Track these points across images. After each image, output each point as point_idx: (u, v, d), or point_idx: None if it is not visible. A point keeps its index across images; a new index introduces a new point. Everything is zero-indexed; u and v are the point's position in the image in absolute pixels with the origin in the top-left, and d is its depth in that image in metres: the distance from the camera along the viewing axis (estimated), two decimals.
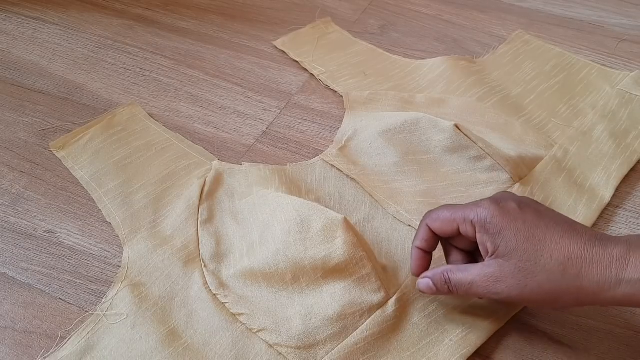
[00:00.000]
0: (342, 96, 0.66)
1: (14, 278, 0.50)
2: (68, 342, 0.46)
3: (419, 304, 0.48)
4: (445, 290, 0.43)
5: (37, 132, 0.62)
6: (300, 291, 0.46)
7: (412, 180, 0.56)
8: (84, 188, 0.57)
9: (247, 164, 0.57)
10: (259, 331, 0.46)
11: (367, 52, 0.72)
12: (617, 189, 0.57)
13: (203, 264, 0.50)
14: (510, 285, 0.40)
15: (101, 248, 0.52)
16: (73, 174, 0.57)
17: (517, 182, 0.55)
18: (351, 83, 0.67)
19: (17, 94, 0.66)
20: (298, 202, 0.48)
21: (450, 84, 0.65)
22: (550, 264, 0.38)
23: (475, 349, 0.46)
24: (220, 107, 0.65)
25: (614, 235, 0.41)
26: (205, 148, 0.60)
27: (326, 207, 0.48)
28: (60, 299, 0.49)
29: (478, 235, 0.42)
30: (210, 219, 0.53)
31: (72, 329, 0.47)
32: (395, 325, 0.46)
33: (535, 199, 0.47)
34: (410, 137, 0.57)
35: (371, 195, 0.55)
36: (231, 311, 0.47)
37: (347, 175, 0.56)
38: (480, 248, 0.42)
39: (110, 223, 0.54)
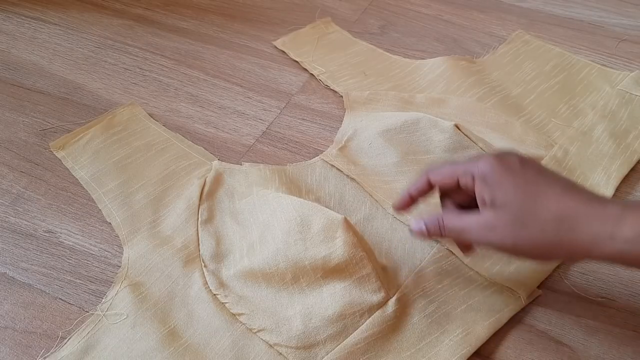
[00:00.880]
0: (342, 96, 0.66)
1: (14, 278, 0.50)
2: (68, 342, 0.46)
3: (419, 304, 0.48)
4: (436, 231, 0.44)
5: (37, 132, 0.62)
6: (300, 291, 0.46)
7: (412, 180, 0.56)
8: (84, 188, 0.57)
9: (247, 164, 0.57)
10: (259, 331, 0.46)
11: (367, 52, 0.72)
12: (617, 189, 0.57)
13: (203, 264, 0.50)
14: (504, 235, 0.40)
15: (101, 248, 0.52)
16: (73, 174, 0.57)
17: None
18: (351, 83, 0.67)
19: (17, 94, 0.66)
20: (298, 202, 0.48)
21: (450, 84, 0.65)
22: (545, 216, 0.39)
23: (475, 349, 0.46)
24: (220, 107, 0.65)
25: None
26: (205, 148, 0.60)
27: (326, 207, 0.48)
28: (60, 299, 0.49)
29: (477, 187, 0.42)
30: (210, 219, 0.53)
31: (72, 329, 0.47)
32: (395, 325, 0.46)
33: None
34: (410, 137, 0.57)
35: (371, 196, 0.55)
36: (231, 311, 0.47)
37: (347, 175, 0.56)
38: (478, 199, 0.42)
39: (110, 223, 0.54)
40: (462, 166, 0.43)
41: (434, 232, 0.44)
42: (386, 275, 0.49)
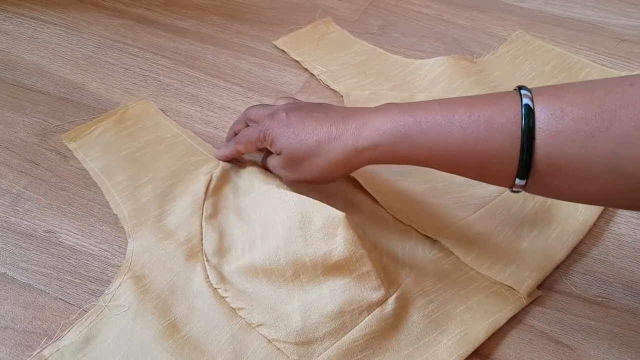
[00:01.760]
0: (342, 96, 0.66)
1: (14, 278, 0.50)
2: (70, 332, 0.46)
3: (419, 303, 0.48)
4: (264, 162, 0.56)
5: (37, 132, 0.62)
6: (300, 287, 0.47)
7: (412, 180, 0.56)
8: (83, 188, 0.57)
9: (250, 160, 0.57)
10: (258, 326, 0.46)
11: (368, 52, 0.72)
12: None
13: (205, 258, 0.50)
14: (290, 172, 0.51)
15: (101, 248, 0.52)
16: (83, 165, 0.58)
17: None
18: (351, 83, 0.67)
19: (17, 94, 0.66)
20: (299, 199, 0.48)
21: (450, 83, 0.65)
22: (309, 149, 0.48)
23: (473, 350, 0.46)
24: (220, 107, 0.65)
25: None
26: None
27: (328, 204, 0.48)
28: (60, 299, 0.49)
29: (266, 146, 0.52)
30: (214, 215, 0.53)
31: (71, 322, 0.47)
32: (394, 323, 0.46)
33: (532, 198, 0.52)
34: None
35: (372, 197, 0.55)
36: (231, 305, 0.47)
37: (347, 177, 0.56)
38: (273, 152, 0.53)
39: (110, 222, 0.54)
40: (253, 135, 0.53)
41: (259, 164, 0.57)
42: (386, 274, 0.49)
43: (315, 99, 0.66)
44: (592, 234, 0.54)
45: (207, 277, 0.49)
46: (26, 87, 0.67)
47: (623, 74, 0.67)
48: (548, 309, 0.49)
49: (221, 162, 0.58)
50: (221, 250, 0.51)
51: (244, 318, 0.47)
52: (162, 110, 0.64)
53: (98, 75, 0.69)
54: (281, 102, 0.56)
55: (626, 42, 0.74)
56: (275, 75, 0.69)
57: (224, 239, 0.51)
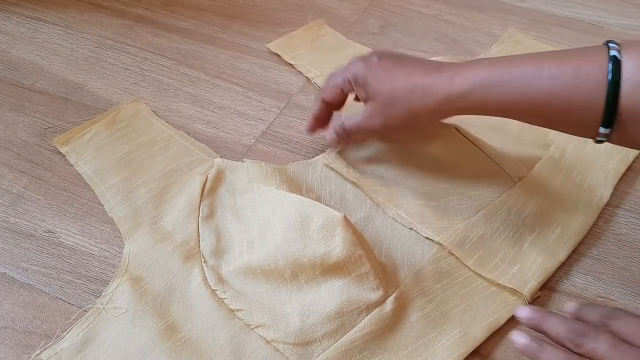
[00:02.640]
0: None
1: (14, 278, 0.50)
2: (67, 335, 0.46)
3: (418, 303, 0.48)
4: (344, 136, 0.55)
5: (37, 132, 0.62)
6: (298, 288, 0.47)
7: (412, 182, 0.56)
8: (83, 188, 0.57)
9: (248, 161, 0.57)
10: (256, 327, 0.46)
11: (362, 54, 0.71)
12: (616, 188, 0.57)
13: (203, 260, 0.50)
14: (379, 118, 0.51)
15: (101, 248, 0.52)
16: (76, 169, 0.58)
17: (517, 182, 0.55)
18: None
19: (17, 94, 0.66)
20: (298, 200, 0.48)
21: None
22: (400, 94, 0.49)
23: (472, 350, 0.46)
24: (220, 107, 0.65)
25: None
26: None
27: (327, 205, 0.48)
28: (60, 298, 0.49)
29: (355, 89, 0.53)
30: (211, 215, 0.53)
31: (73, 323, 0.47)
32: (392, 323, 0.46)
33: (532, 198, 0.52)
34: None
35: (371, 198, 0.55)
36: (230, 307, 0.47)
37: (347, 179, 0.56)
38: (359, 97, 0.53)
39: (110, 223, 0.54)
40: (339, 77, 0.53)
41: (343, 137, 0.55)
42: (385, 274, 0.49)
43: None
44: (592, 234, 0.54)
45: (205, 278, 0.49)
46: (26, 87, 0.67)
47: None
48: (548, 309, 0.49)
49: (216, 162, 0.57)
50: (219, 251, 0.51)
51: (242, 319, 0.47)
52: (162, 110, 0.64)
53: (98, 75, 0.69)
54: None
55: None
56: (275, 75, 0.69)
57: (221, 240, 0.51)
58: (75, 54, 0.71)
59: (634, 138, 0.42)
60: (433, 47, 0.74)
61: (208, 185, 0.55)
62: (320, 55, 0.71)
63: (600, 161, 0.58)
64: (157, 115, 0.64)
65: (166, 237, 0.52)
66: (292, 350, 0.45)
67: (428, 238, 0.52)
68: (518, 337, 0.40)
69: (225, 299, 0.47)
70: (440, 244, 0.51)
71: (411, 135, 0.55)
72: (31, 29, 0.75)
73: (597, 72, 0.41)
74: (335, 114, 0.58)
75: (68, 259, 0.52)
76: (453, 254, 0.51)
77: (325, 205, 0.48)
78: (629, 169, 0.59)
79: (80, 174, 0.58)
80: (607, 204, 0.56)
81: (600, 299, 0.50)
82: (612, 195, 0.56)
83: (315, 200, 0.51)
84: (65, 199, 0.56)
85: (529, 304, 0.49)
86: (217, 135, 0.62)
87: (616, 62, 0.41)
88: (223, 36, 0.75)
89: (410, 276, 0.49)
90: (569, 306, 0.42)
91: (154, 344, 0.45)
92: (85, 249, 0.52)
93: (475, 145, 0.55)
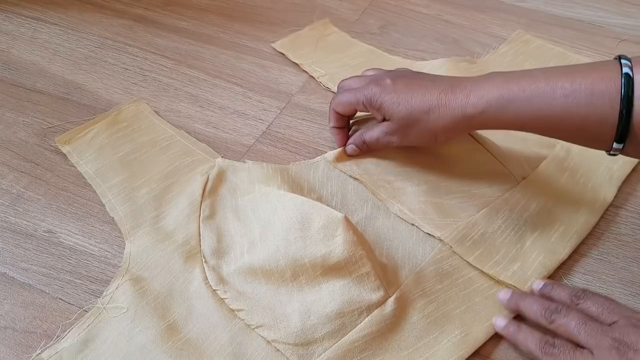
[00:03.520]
0: None
1: (14, 278, 0.50)
2: (68, 335, 0.46)
3: (419, 304, 0.48)
4: (364, 147, 0.57)
5: (37, 132, 0.62)
6: (299, 288, 0.46)
7: (415, 179, 0.56)
8: (83, 188, 0.57)
9: (250, 161, 0.57)
10: (257, 327, 0.46)
11: (367, 53, 0.72)
12: (619, 189, 0.57)
13: (204, 260, 0.50)
14: (397, 137, 0.53)
15: (101, 248, 0.52)
16: (78, 168, 0.58)
17: (520, 181, 0.55)
18: None
19: (17, 94, 0.66)
20: (299, 200, 0.48)
21: None
22: (420, 115, 0.50)
23: (473, 351, 0.46)
24: (220, 107, 0.65)
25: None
26: None
27: (328, 206, 0.48)
28: (60, 298, 0.49)
29: (370, 111, 0.54)
30: (212, 216, 0.53)
31: (73, 323, 0.47)
32: (393, 324, 0.46)
33: (535, 198, 0.53)
34: None
35: (374, 195, 0.55)
36: (230, 307, 0.47)
37: (350, 176, 0.56)
38: (375, 117, 0.55)
39: (110, 223, 0.54)
40: (354, 97, 0.54)
41: (363, 149, 0.57)
42: (386, 274, 0.48)
43: (315, 99, 0.66)
44: (593, 234, 0.54)
45: (206, 278, 0.49)
46: (26, 87, 0.67)
47: None
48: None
49: (217, 163, 0.57)
50: (220, 252, 0.50)
51: (243, 319, 0.47)
52: (162, 110, 0.64)
53: (98, 75, 0.69)
54: (370, 72, 0.59)
55: (626, 42, 0.74)
56: (275, 75, 0.69)
57: (222, 240, 0.51)
58: (75, 54, 0.71)
59: None
60: (433, 47, 0.74)
61: (209, 185, 0.55)
62: (326, 55, 0.71)
63: (605, 162, 0.58)
64: (158, 115, 0.64)
65: (167, 237, 0.52)
66: (293, 350, 0.45)
67: (429, 234, 0.52)
68: (497, 320, 0.47)
69: (226, 299, 0.47)
70: (441, 240, 0.51)
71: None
72: (31, 29, 0.75)
73: (611, 89, 0.42)
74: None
75: (68, 259, 0.52)
76: (455, 254, 0.51)
77: (327, 205, 0.48)
78: (634, 170, 0.59)
79: (80, 174, 0.58)
80: (610, 205, 0.56)
81: None
82: (615, 196, 0.56)
83: (317, 201, 0.51)
84: (65, 199, 0.56)
85: None
86: (217, 135, 0.62)
87: (629, 79, 0.42)
88: (223, 36, 0.75)
89: (411, 277, 0.49)
90: (536, 284, 0.49)
91: (154, 344, 0.45)
92: (85, 249, 0.52)
93: (480, 144, 0.55)
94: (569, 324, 0.43)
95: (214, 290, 0.48)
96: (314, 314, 0.45)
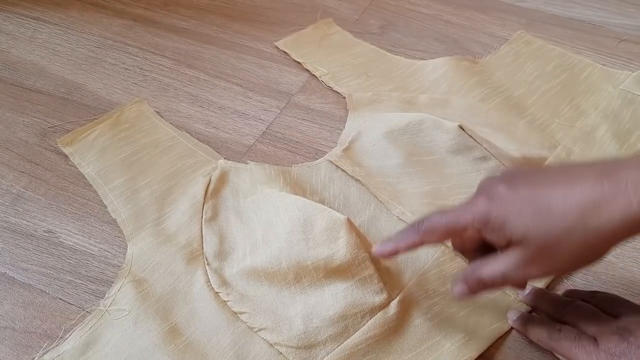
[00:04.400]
0: (342, 96, 0.65)
1: (14, 278, 0.50)
2: (70, 337, 0.46)
3: (422, 307, 0.48)
4: (480, 289, 0.41)
5: (37, 132, 0.62)
6: (302, 291, 0.46)
7: (416, 181, 0.56)
8: (83, 188, 0.57)
9: (252, 163, 0.57)
10: (259, 330, 0.46)
11: (369, 53, 0.72)
12: None
13: (206, 262, 0.50)
14: (542, 264, 0.37)
15: (101, 248, 0.52)
16: (80, 169, 0.58)
17: None
18: (354, 84, 0.67)
19: (17, 94, 0.66)
20: (302, 202, 0.48)
21: (452, 84, 0.65)
22: (569, 224, 0.35)
23: (477, 355, 0.46)
24: (220, 107, 0.65)
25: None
26: None
27: (330, 208, 0.48)
28: (60, 299, 0.49)
29: (485, 235, 0.39)
30: (214, 217, 0.53)
31: (74, 324, 0.47)
32: (396, 327, 0.46)
33: None
34: (414, 138, 0.57)
35: (376, 197, 0.55)
36: (233, 309, 0.47)
37: (352, 177, 0.56)
38: (493, 243, 0.40)
39: (110, 223, 0.54)
40: (456, 220, 0.40)
41: (477, 289, 0.41)
42: (389, 277, 0.48)
43: (315, 99, 0.66)
44: None
45: (208, 280, 0.49)
46: (26, 87, 0.67)
47: (625, 73, 0.67)
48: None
49: (219, 164, 0.57)
50: (222, 254, 0.50)
51: (245, 322, 0.46)
52: (162, 110, 0.64)
53: (98, 75, 0.69)
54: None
55: (626, 42, 0.74)
56: (275, 75, 0.69)
57: (224, 242, 0.51)
58: (75, 54, 0.71)
59: None
60: (433, 47, 0.74)
61: (211, 187, 0.55)
62: (328, 54, 0.71)
63: None
64: (159, 116, 0.64)
65: (169, 239, 0.51)
66: (296, 353, 0.45)
67: None
68: (510, 314, 0.47)
69: (228, 301, 0.47)
70: (444, 244, 0.51)
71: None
72: (31, 29, 0.75)
73: None
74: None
75: (68, 259, 0.52)
76: (457, 257, 0.51)
77: (329, 207, 0.48)
78: None
79: (80, 174, 0.58)
80: None
81: None
82: None
83: (319, 203, 0.51)
84: (65, 199, 0.56)
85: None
86: (217, 135, 0.62)
87: None
88: (223, 36, 0.75)
89: (414, 279, 0.49)
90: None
91: (156, 346, 0.45)
92: (85, 249, 0.52)
93: (481, 145, 0.55)
94: (578, 316, 0.43)
95: (217, 292, 0.48)
96: (317, 317, 0.45)
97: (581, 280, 0.51)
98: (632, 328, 0.40)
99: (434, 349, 0.46)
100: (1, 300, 0.49)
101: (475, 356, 0.46)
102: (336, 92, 0.66)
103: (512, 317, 0.47)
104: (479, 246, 0.42)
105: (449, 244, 0.50)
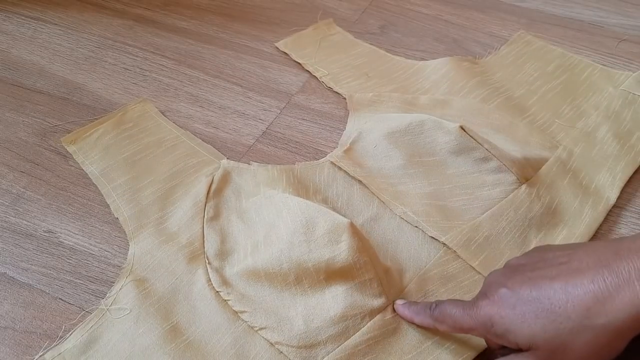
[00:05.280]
0: (345, 98, 0.65)
1: (14, 278, 0.50)
2: (71, 336, 0.46)
3: None
4: None
5: (37, 132, 0.62)
6: (302, 292, 0.46)
7: (418, 182, 0.55)
8: (84, 188, 0.57)
9: (255, 163, 0.57)
10: (260, 329, 0.46)
11: (370, 53, 0.72)
12: (622, 190, 0.57)
13: (207, 261, 0.50)
14: None
15: (101, 248, 0.52)
16: (83, 168, 0.58)
17: (524, 183, 0.55)
18: (354, 85, 0.67)
19: (17, 94, 0.66)
20: (304, 204, 0.48)
21: (453, 85, 0.65)
22: (575, 325, 0.34)
23: (476, 354, 0.45)
24: (220, 107, 0.65)
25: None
26: None
27: (333, 207, 0.48)
28: (60, 299, 0.49)
29: (492, 339, 0.39)
30: (216, 217, 0.53)
31: (74, 324, 0.47)
32: (396, 328, 0.46)
33: (539, 199, 0.49)
34: (415, 139, 0.57)
35: (378, 197, 0.55)
36: (233, 309, 0.47)
37: (354, 177, 0.56)
38: (505, 346, 0.39)
39: (110, 223, 0.54)
40: (460, 326, 0.40)
41: None
42: (389, 278, 0.48)
43: (315, 99, 0.66)
44: (596, 235, 0.54)
45: (209, 280, 0.49)
46: (26, 87, 0.67)
47: (626, 74, 0.67)
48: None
49: (222, 164, 0.57)
50: (223, 253, 0.50)
51: (246, 321, 0.46)
52: (162, 110, 0.64)
53: (98, 75, 0.69)
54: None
55: (626, 42, 0.74)
56: (275, 75, 0.69)
57: (225, 242, 0.51)
58: (75, 54, 0.71)
59: None
60: (433, 47, 0.74)
61: (214, 186, 0.55)
62: (329, 55, 0.71)
63: (608, 163, 0.58)
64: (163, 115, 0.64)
65: (171, 238, 0.52)
66: (296, 352, 0.45)
67: (434, 238, 0.52)
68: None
69: (229, 300, 0.47)
70: (445, 245, 0.51)
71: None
72: (31, 29, 0.75)
73: None
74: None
75: (68, 259, 0.52)
76: (459, 257, 0.51)
77: (332, 206, 0.48)
78: (637, 171, 0.59)
79: (80, 174, 0.58)
80: (612, 206, 0.55)
81: None
82: (618, 197, 0.56)
83: (322, 202, 0.51)
84: (65, 199, 0.56)
85: None
86: (217, 135, 0.62)
87: None
88: (223, 36, 0.75)
89: (415, 279, 0.49)
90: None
91: (157, 345, 0.45)
92: (85, 249, 0.52)
93: (482, 146, 0.55)
94: (445, 305, 0.42)
95: (217, 291, 0.48)
96: (318, 317, 0.45)
97: None
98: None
99: (433, 347, 0.46)
100: (1, 300, 0.49)
101: (474, 355, 0.45)
102: (336, 92, 0.66)
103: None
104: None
105: (449, 243, 0.51)
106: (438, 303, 0.43)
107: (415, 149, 0.57)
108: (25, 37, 0.73)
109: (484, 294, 0.39)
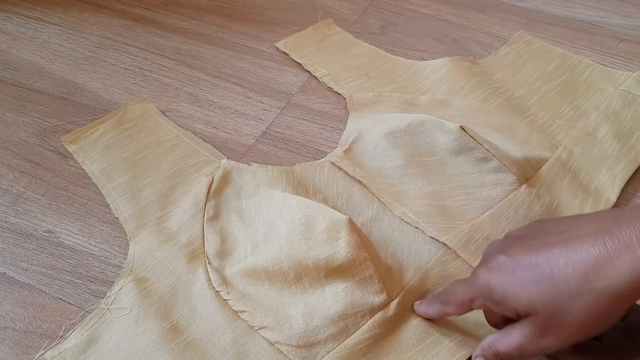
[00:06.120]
0: (342, 96, 0.65)
1: (14, 278, 0.50)
2: (71, 335, 0.46)
3: None
4: (495, 347, 0.39)
5: (37, 132, 0.62)
6: (302, 290, 0.46)
7: (418, 182, 0.55)
8: (83, 188, 0.57)
9: (255, 165, 0.57)
10: (260, 329, 0.46)
11: (370, 53, 0.72)
12: (622, 190, 0.57)
13: (207, 261, 0.50)
14: (556, 334, 0.35)
15: (101, 248, 0.52)
16: (84, 168, 0.58)
17: (524, 183, 0.55)
18: (354, 85, 0.67)
19: (17, 94, 0.66)
20: (303, 202, 0.48)
21: (453, 85, 0.65)
22: (573, 289, 0.34)
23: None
24: (220, 107, 0.65)
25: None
26: None
27: (333, 207, 0.48)
28: (60, 299, 0.49)
29: (492, 308, 0.38)
30: (216, 217, 0.53)
31: (74, 323, 0.47)
32: (396, 327, 0.46)
33: (539, 199, 0.50)
34: (415, 139, 0.57)
35: (378, 198, 0.55)
36: (233, 308, 0.47)
37: (354, 178, 0.56)
38: (503, 314, 0.39)
39: (110, 223, 0.54)
40: (467, 293, 0.40)
41: (491, 359, 0.39)
42: (390, 277, 0.48)
43: (315, 99, 0.66)
44: None
45: (209, 279, 0.49)
46: (26, 87, 0.67)
47: (626, 74, 0.67)
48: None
49: (222, 164, 0.57)
50: (223, 253, 0.50)
51: (246, 321, 0.46)
52: (162, 110, 0.64)
53: (98, 75, 0.69)
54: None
55: (626, 42, 0.74)
56: (275, 75, 0.69)
57: (225, 242, 0.51)
58: (75, 54, 0.71)
59: None
60: (433, 47, 0.74)
61: (214, 186, 0.55)
62: (329, 55, 0.71)
63: (608, 163, 0.58)
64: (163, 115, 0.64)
65: (171, 237, 0.52)
66: (296, 352, 0.45)
67: (434, 238, 0.52)
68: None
69: (229, 300, 0.47)
70: (446, 245, 0.51)
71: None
72: (31, 29, 0.75)
73: None
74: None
75: (68, 259, 0.52)
76: (459, 257, 0.51)
77: (332, 206, 0.48)
78: (637, 171, 0.59)
79: (80, 174, 0.58)
80: (613, 206, 0.55)
81: None
82: (618, 197, 0.56)
83: (322, 202, 0.51)
84: (65, 199, 0.56)
85: None
86: (217, 135, 0.62)
87: None
88: (223, 36, 0.75)
89: (415, 278, 0.49)
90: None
91: (157, 344, 0.45)
92: (85, 249, 0.52)
93: (482, 146, 0.55)
94: (455, 287, 0.42)
95: (217, 291, 0.48)
96: (317, 316, 0.45)
97: None
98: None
99: (432, 346, 0.46)
100: (1, 300, 0.49)
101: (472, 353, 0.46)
102: (336, 92, 0.66)
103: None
104: (505, 318, 0.40)
105: (449, 243, 0.51)
106: (445, 289, 0.44)
107: (415, 149, 0.57)
108: (25, 37, 0.73)
109: (483, 263, 0.39)
